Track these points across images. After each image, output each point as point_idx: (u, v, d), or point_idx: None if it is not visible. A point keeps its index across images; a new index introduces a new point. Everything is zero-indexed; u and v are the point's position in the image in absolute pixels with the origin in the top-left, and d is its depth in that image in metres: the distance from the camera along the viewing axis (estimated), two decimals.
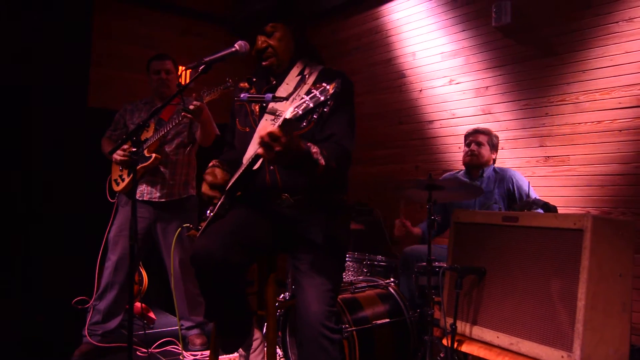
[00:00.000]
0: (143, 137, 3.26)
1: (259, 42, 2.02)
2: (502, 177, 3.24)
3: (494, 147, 3.37)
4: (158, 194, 3.31)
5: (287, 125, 1.59)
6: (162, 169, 3.32)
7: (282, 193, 1.99)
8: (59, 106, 4.25)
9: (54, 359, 3.15)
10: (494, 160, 3.39)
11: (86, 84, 4.53)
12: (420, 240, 3.43)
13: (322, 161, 1.75)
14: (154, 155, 3.23)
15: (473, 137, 3.36)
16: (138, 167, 3.21)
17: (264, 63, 2.04)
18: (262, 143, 1.59)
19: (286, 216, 2.01)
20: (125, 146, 3.16)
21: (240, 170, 1.95)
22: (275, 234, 2.03)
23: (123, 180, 3.26)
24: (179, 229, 2.36)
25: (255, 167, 1.91)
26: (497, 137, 3.41)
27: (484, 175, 3.30)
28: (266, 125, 2.00)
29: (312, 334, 1.82)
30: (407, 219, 3.31)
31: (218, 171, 2.04)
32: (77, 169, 4.24)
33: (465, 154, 3.37)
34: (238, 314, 2.03)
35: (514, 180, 3.20)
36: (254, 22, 2.01)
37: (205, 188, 2.02)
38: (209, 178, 2.02)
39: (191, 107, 2.94)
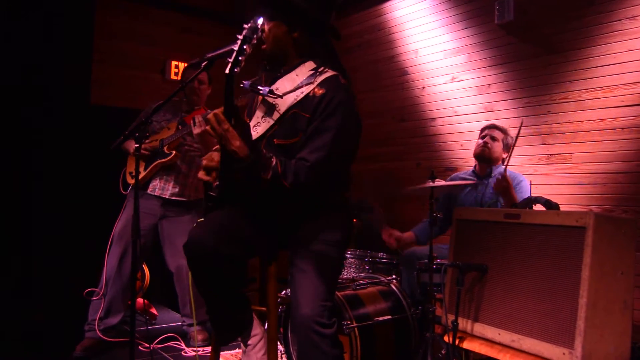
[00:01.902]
0: (165, 135, 3.30)
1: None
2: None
3: (507, 147, 3.31)
4: (169, 192, 3.34)
5: (229, 83, 1.72)
6: (179, 165, 3.36)
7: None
8: (61, 104, 4.26)
9: (56, 354, 3.16)
10: (504, 161, 3.34)
11: (88, 81, 4.54)
12: (417, 243, 3.42)
13: (268, 174, 1.80)
14: (174, 152, 3.27)
15: (489, 130, 3.32)
16: (156, 163, 3.27)
17: (262, 46, 2.05)
18: (210, 127, 1.75)
19: (283, 212, 2.01)
20: (147, 141, 3.21)
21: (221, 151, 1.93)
22: (272, 231, 2.03)
23: (139, 173, 3.28)
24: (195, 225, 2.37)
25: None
26: (512, 139, 3.33)
27: (493, 174, 3.26)
28: (258, 116, 2.02)
29: (303, 330, 1.83)
30: (392, 228, 3.34)
31: (215, 154, 2.03)
32: (79, 166, 4.25)
33: (478, 145, 3.33)
34: (231, 305, 2.03)
35: (519, 187, 3.15)
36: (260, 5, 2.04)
37: (201, 173, 1.99)
38: (204, 162, 2.01)
39: (196, 130, 2.98)
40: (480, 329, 2.30)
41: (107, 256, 3.25)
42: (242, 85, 2.12)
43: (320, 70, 2.03)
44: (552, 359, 2.00)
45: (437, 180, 2.60)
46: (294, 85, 1.99)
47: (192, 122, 3.05)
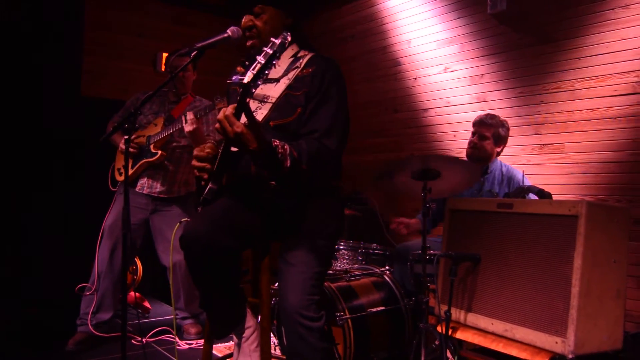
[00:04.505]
0: (152, 132, 3.26)
1: (245, 20, 2.02)
2: (509, 179, 3.17)
3: (500, 140, 3.21)
4: (158, 189, 3.32)
5: (246, 92, 1.65)
6: (166, 164, 3.33)
7: (268, 181, 1.97)
8: (51, 95, 4.22)
9: (50, 348, 3.14)
10: (498, 153, 3.28)
11: (79, 73, 4.50)
12: (420, 230, 3.41)
13: (288, 162, 1.77)
14: (159, 152, 3.23)
15: (478, 128, 3.23)
16: (142, 162, 3.24)
17: (247, 43, 2.03)
18: (220, 127, 1.67)
19: (274, 204, 1.99)
20: (134, 137, 3.18)
21: (220, 152, 1.93)
22: (264, 222, 2.02)
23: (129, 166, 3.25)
24: (177, 224, 2.35)
25: (234, 149, 1.87)
26: (506, 129, 3.23)
27: (489, 171, 3.22)
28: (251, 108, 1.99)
29: (290, 323, 1.82)
30: (399, 216, 3.36)
31: (208, 145, 2.01)
32: (70, 157, 4.22)
33: (468, 145, 3.27)
34: (228, 299, 2.02)
35: (520, 185, 3.13)
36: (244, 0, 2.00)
37: (194, 161, 2.00)
38: (196, 152, 2.00)
39: (187, 128, 2.95)
40: (473, 319, 2.30)
41: (97, 251, 3.22)
42: (229, 81, 2.11)
43: (299, 55, 2.05)
44: (545, 348, 2.00)
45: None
46: (280, 74, 2.00)
47: (183, 119, 3.02)
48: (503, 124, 3.24)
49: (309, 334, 1.80)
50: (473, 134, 3.27)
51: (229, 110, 1.67)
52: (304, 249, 1.90)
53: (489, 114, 3.28)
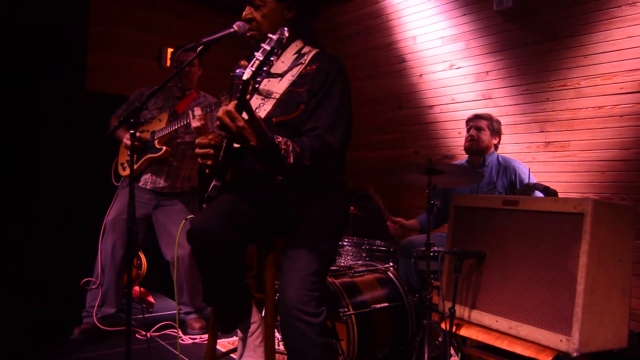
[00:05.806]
0: (156, 128, 3.26)
1: (245, 12, 2.01)
2: (505, 167, 3.21)
3: (495, 132, 3.34)
4: (161, 185, 3.33)
5: (245, 89, 1.64)
6: (170, 160, 3.33)
7: (274, 176, 1.96)
8: (57, 90, 4.22)
9: (55, 339, 3.15)
10: (496, 146, 3.36)
11: (84, 67, 4.50)
12: (420, 231, 3.43)
13: (291, 159, 1.76)
14: (164, 147, 3.23)
15: (473, 122, 3.34)
16: (146, 157, 3.24)
17: (247, 34, 2.02)
18: (221, 124, 1.66)
19: (278, 199, 1.99)
20: (138, 132, 3.18)
21: (222, 148, 1.92)
22: (269, 217, 2.02)
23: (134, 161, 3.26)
24: (184, 221, 2.35)
25: (237, 145, 1.85)
26: (498, 122, 3.37)
27: (487, 163, 3.27)
28: (254, 104, 1.99)
29: (288, 318, 1.80)
30: (395, 216, 3.38)
31: (211, 135, 2.00)
32: (74, 152, 4.22)
33: (466, 140, 3.36)
34: (234, 294, 2.02)
35: (517, 172, 3.17)
36: None
37: (196, 149, 1.97)
38: (198, 140, 1.97)
39: (194, 124, 2.95)
40: (477, 316, 2.30)
41: (100, 245, 3.23)
42: (232, 74, 2.10)
43: (303, 51, 2.04)
44: (550, 346, 2.00)
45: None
46: (284, 70, 1.99)
47: (190, 114, 3.01)
48: (495, 119, 3.37)
49: (309, 329, 1.79)
50: (468, 129, 3.36)
51: (230, 106, 1.67)
52: (305, 246, 1.89)
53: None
